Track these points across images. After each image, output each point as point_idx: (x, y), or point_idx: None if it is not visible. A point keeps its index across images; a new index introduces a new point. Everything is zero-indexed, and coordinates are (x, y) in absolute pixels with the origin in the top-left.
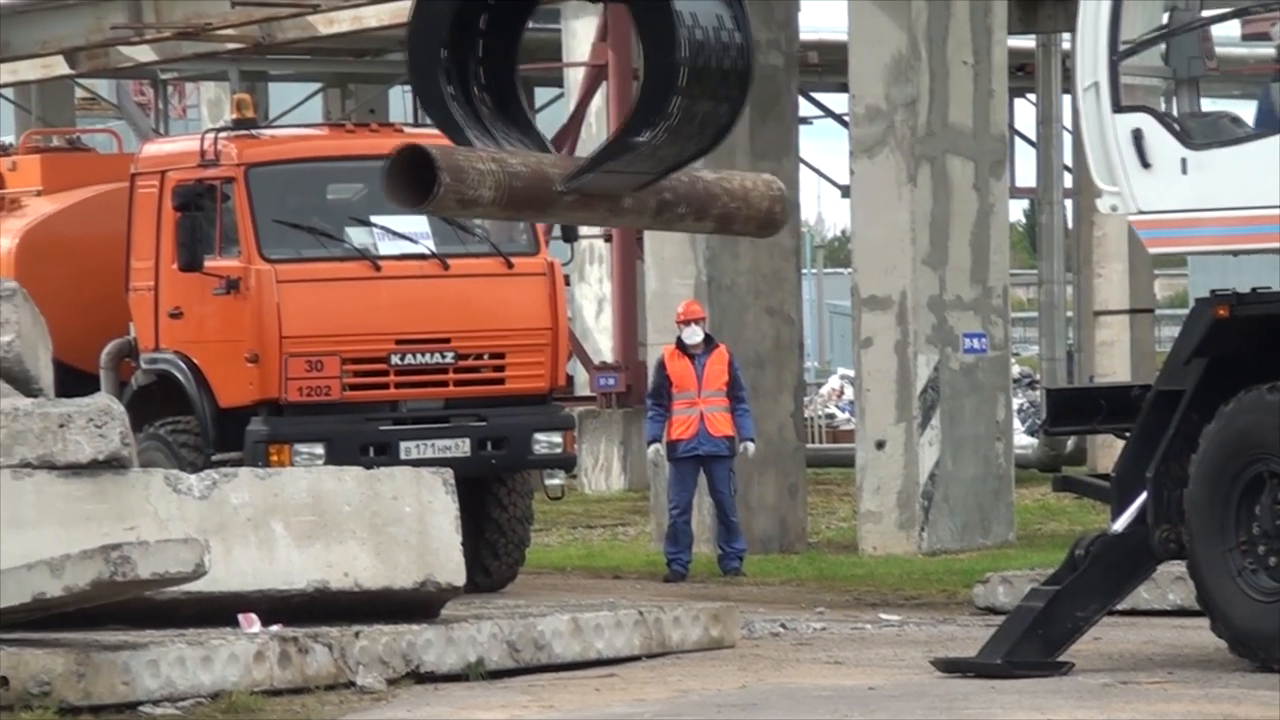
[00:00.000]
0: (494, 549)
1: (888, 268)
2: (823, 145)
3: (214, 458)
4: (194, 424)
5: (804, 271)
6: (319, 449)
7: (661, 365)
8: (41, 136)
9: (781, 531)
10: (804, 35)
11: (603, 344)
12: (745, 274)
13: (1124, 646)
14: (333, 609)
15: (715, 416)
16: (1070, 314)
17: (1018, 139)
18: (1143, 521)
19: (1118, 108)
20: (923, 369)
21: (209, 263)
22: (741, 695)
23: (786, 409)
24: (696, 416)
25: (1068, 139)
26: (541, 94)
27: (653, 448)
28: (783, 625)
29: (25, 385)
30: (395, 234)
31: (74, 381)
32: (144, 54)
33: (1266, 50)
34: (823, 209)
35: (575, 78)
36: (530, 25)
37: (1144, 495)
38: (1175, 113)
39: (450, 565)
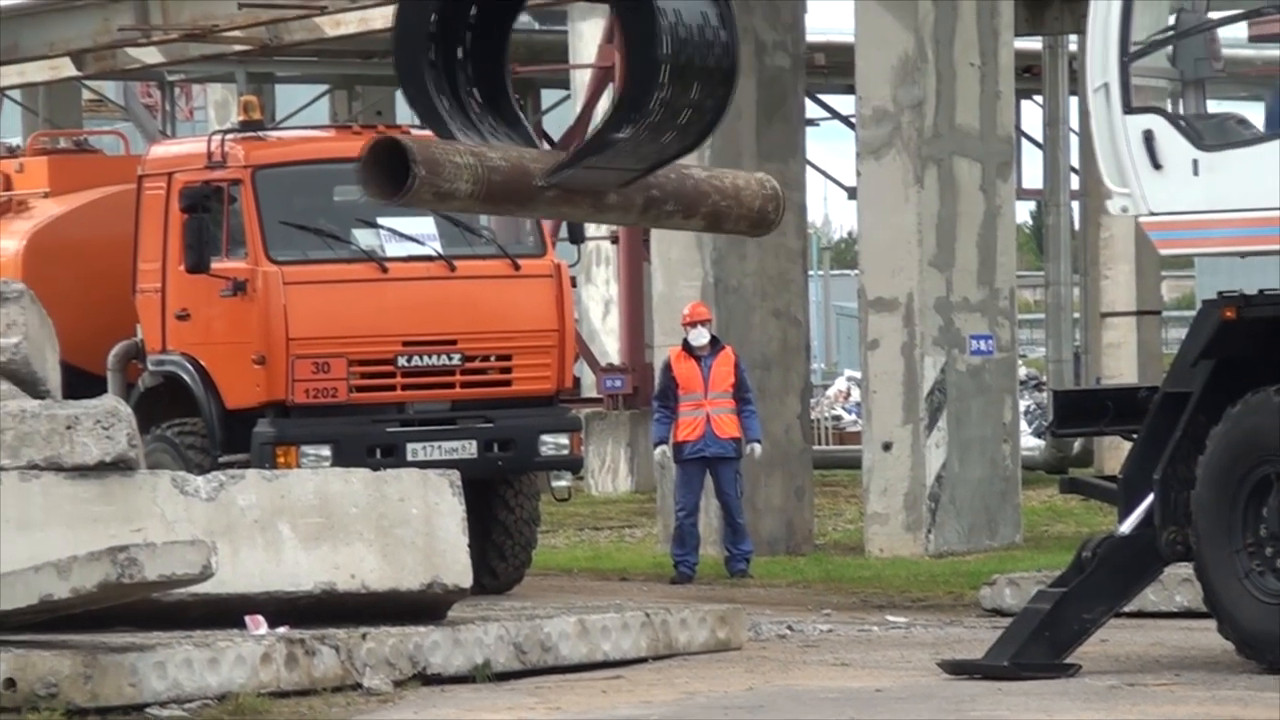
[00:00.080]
0: (501, 551)
1: (894, 269)
2: (829, 147)
3: (221, 459)
4: (201, 426)
5: (811, 273)
6: (326, 451)
7: (668, 367)
8: (49, 138)
9: (788, 533)
10: (811, 37)
11: (609, 346)
12: (752, 276)
13: (1131, 648)
14: (339, 611)
15: (721, 418)
16: (1077, 316)
17: (1024, 140)
18: (1150, 523)
19: (1128, 109)
20: (929, 371)
21: (216, 264)
22: (748, 697)
23: (793, 411)
24: (703, 418)
25: (1074, 140)
26: (548, 96)
27: (659, 449)
28: (789, 627)
29: (32, 387)
30: (402, 236)
31: (81, 383)
32: (151, 56)
33: (1274, 52)
34: (829, 211)
35: (582, 79)
36: (537, 27)
37: (1151, 497)
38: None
39: (457, 567)
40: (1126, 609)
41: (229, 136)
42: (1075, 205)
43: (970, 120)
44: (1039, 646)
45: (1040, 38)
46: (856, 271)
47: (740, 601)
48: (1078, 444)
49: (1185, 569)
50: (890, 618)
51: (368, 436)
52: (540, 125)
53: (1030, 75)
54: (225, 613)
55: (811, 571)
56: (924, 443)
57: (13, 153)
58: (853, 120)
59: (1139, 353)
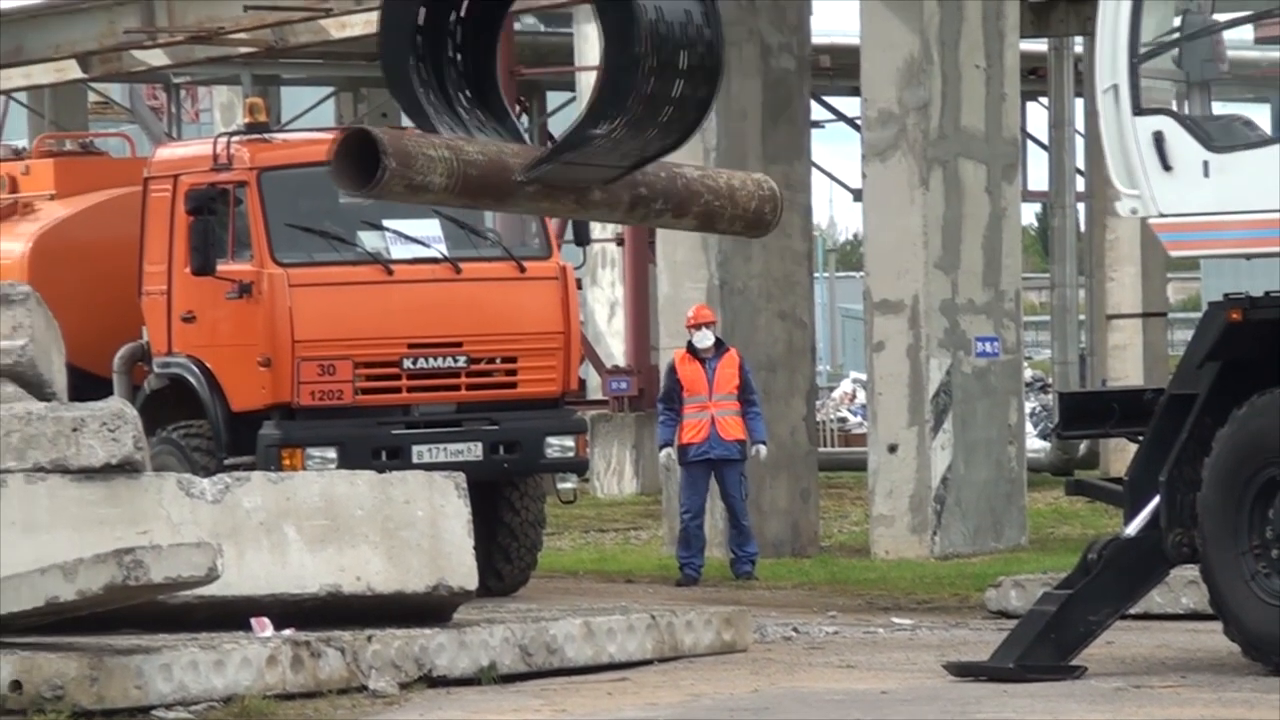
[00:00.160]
0: (506, 553)
1: (900, 271)
2: (835, 149)
3: (226, 462)
4: (206, 428)
5: (816, 275)
6: (331, 453)
7: (672, 369)
8: (55, 140)
9: (793, 535)
10: (816, 38)
11: (615, 348)
12: (757, 278)
13: (1137, 650)
14: (345, 613)
15: (726, 420)
16: (1083, 318)
17: (1030, 142)
18: (1156, 525)
19: (1138, 110)
20: (935, 373)
21: (221, 267)
22: (753, 699)
23: (798, 413)
24: (707, 420)
25: (1080, 142)
26: (554, 98)
27: (664, 452)
28: (795, 629)
29: (39, 389)
30: (407, 238)
31: (87, 385)
32: (157, 58)
33: None
34: (835, 213)
35: (587, 81)
36: (543, 29)
37: (1157, 499)
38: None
39: (462, 569)
40: (1132, 611)
41: (234, 139)
42: (1081, 207)
43: (975, 122)
44: (1045, 648)
45: (1046, 40)
46: (862, 273)
47: (745, 603)
48: (1083, 446)
49: (1191, 571)
50: (896, 620)
51: (373, 439)
52: (545, 127)
53: (1035, 77)
54: (231, 615)
55: (817, 573)
56: (929, 445)
57: (19, 155)
58: (858, 122)
59: (1144, 355)
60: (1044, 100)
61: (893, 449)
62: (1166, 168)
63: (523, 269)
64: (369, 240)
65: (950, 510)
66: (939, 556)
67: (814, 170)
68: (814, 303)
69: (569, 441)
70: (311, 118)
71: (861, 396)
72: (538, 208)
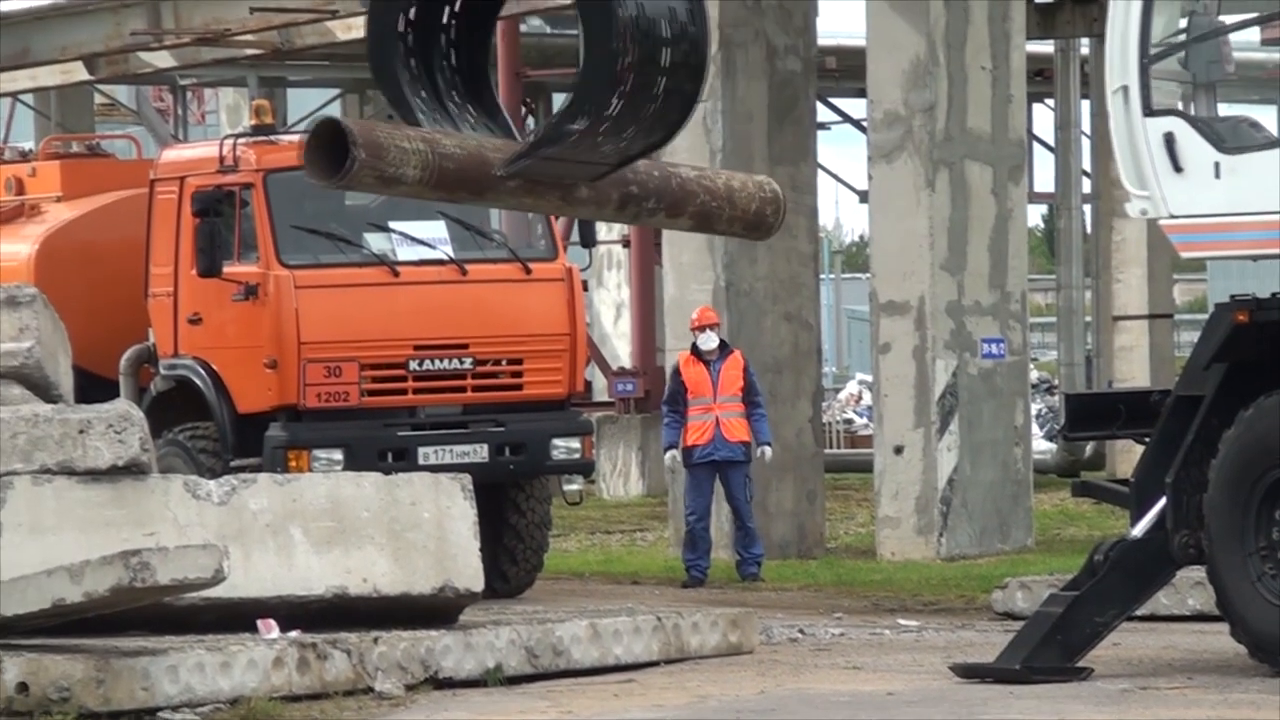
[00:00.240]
0: (512, 554)
1: (906, 273)
2: (841, 150)
3: (233, 463)
4: (213, 430)
5: (822, 277)
6: (337, 454)
7: (676, 372)
8: (61, 142)
9: (800, 537)
10: (822, 40)
11: (621, 349)
12: (763, 279)
13: (1143, 652)
14: (351, 615)
15: (730, 422)
16: (1089, 319)
17: (1036, 144)
18: (1162, 527)
19: (1149, 111)
20: (941, 374)
21: (228, 268)
22: (760, 701)
23: (805, 414)
24: (712, 422)
25: (1086, 144)
26: (560, 100)
27: (669, 454)
28: (801, 631)
29: (45, 391)
30: (413, 240)
31: (93, 387)
32: (163, 60)
33: None
34: (841, 214)
35: None
36: (549, 31)
37: (1163, 500)
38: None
39: (469, 571)
40: (1139, 612)
41: (241, 140)
42: (1087, 209)
43: (982, 124)
44: (1051, 650)
45: (1052, 41)
46: (868, 275)
47: (752, 605)
48: (1089, 447)
49: (1197, 572)
50: (902, 621)
51: (379, 440)
52: None
53: (1042, 79)
54: (237, 617)
55: (823, 575)
56: (935, 446)
57: (25, 157)
58: (864, 124)
59: (1151, 356)
60: (1050, 102)
61: (899, 450)
62: (1177, 169)
63: (528, 271)
64: (375, 242)
65: (956, 512)
66: (945, 558)
67: (820, 172)
68: (820, 304)
69: (575, 443)
70: (317, 119)
71: (867, 398)
72: (521, 203)
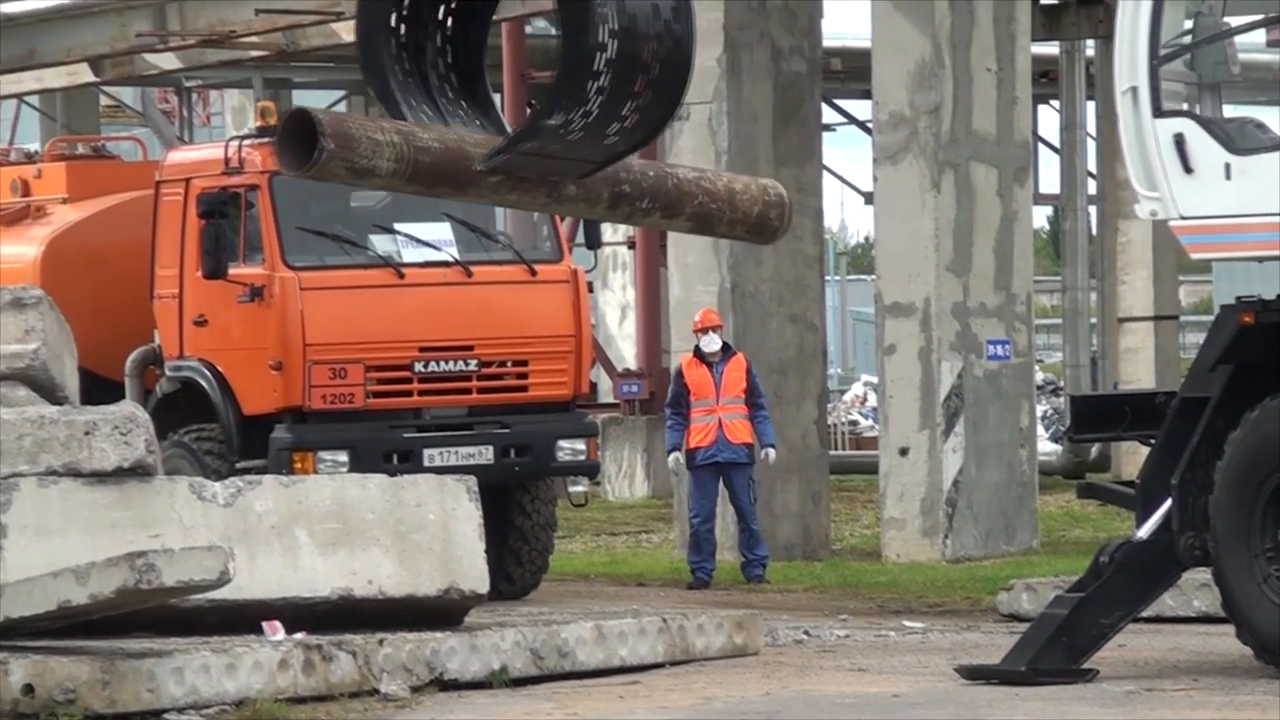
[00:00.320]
0: (517, 556)
1: (911, 274)
2: (846, 152)
3: (238, 465)
4: (218, 431)
5: (827, 278)
6: (343, 456)
7: (679, 374)
8: (67, 144)
9: (805, 538)
10: (827, 42)
11: (626, 351)
12: (769, 281)
13: (1149, 654)
14: (357, 616)
15: (734, 424)
16: (1094, 320)
17: (1041, 145)
18: (1168, 528)
19: (1158, 112)
20: (946, 376)
21: (233, 270)
22: (765, 702)
23: (810, 416)
24: (715, 424)
25: (1092, 145)
26: None
27: (673, 456)
28: (806, 632)
29: (51, 393)
30: (419, 241)
31: (99, 389)
32: (169, 61)
33: None
34: (846, 216)
35: None
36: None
37: (1169, 502)
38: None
39: (474, 572)
40: (1144, 614)
41: (246, 142)
42: (1092, 210)
43: (987, 125)
44: (1056, 651)
45: (1057, 42)
46: (873, 276)
47: (757, 607)
48: (1095, 449)
49: (1203, 574)
50: (907, 623)
51: (385, 442)
52: None
53: (1047, 80)
54: (243, 618)
55: (828, 577)
56: (941, 448)
57: (31, 158)
58: (869, 125)
59: (1156, 358)
60: (1055, 103)
61: (904, 452)
62: (1187, 170)
63: (534, 272)
64: (380, 244)
65: (962, 513)
66: (950, 560)
67: (825, 173)
68: (825, 306)
69: (580, 445)
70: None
71: (873, 400)
72: (505, 199)
